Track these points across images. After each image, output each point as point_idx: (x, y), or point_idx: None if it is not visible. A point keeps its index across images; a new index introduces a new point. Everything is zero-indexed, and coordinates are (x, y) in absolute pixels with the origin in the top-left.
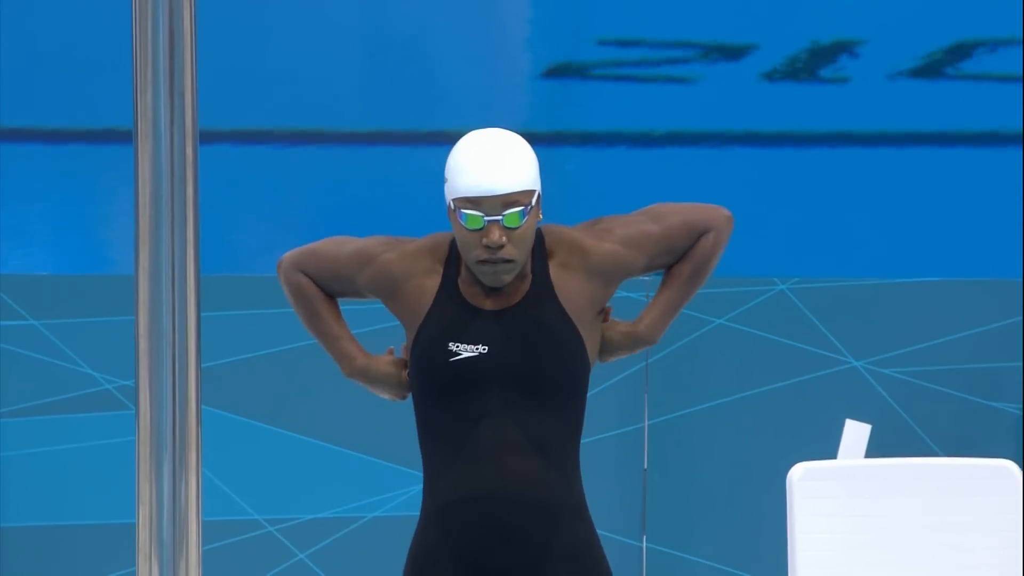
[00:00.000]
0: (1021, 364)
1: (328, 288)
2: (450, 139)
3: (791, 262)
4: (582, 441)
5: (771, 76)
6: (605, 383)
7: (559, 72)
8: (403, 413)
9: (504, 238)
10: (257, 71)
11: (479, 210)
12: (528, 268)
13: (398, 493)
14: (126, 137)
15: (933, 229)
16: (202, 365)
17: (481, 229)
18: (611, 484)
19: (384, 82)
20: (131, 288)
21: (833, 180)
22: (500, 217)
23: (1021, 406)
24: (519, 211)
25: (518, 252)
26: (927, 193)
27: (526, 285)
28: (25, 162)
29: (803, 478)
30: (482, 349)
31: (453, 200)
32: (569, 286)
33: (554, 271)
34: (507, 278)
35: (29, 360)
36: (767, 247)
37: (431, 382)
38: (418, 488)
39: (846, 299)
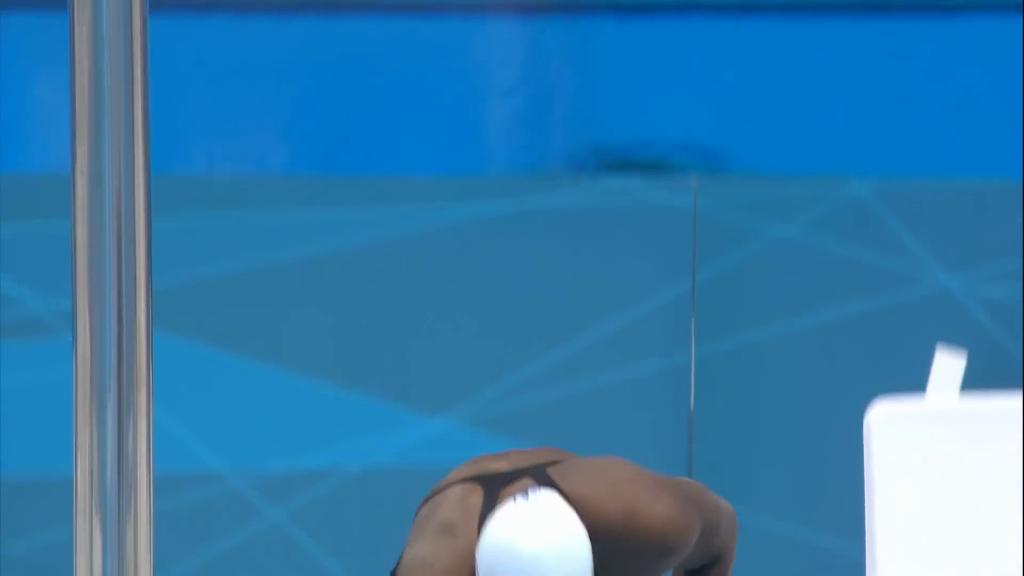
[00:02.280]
0: None
1: None
2: (443, 10)
3: (870, 157)
4: (618, 378)
5: None
6: (645, 309)
7: None
8: (397, 339)
9: None
10: None
11: None
12: None
13: (391, 436)
14: (62, 3)
15: None
16: (154, 285)
17: None
18: (651, 429)
19: None
20: (67, 190)
21: (926, 56)
22: None
23: None
24: None
25: None
26: None
27: None
28: None
29: (885, 420)
30: None
31: None
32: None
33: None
34: None
35: None
36: (840, 138)
37: None
38: (413, 431)
39: (937, 204)
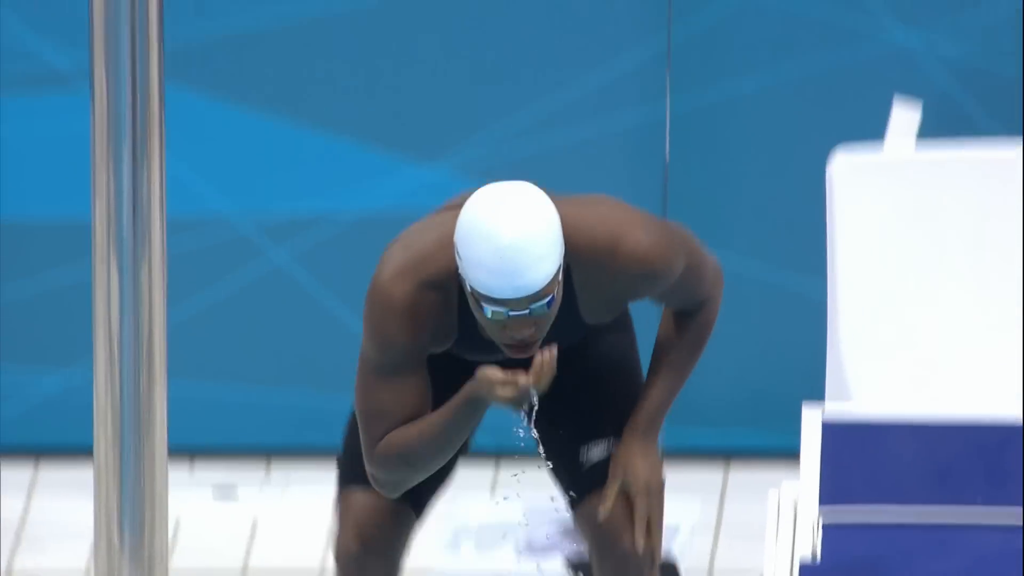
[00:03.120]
0: None
1: (415, 411)
2: None
3: None
4: (593, 134)
5: None
6: (619, 63)
7: None
8: (398, 89)
9: (533, 328)
10: None
11: (502, 307)
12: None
13: (391, 182)
14: None
15: None
16: (166, 38)
17: (505, 319)
18: (626, 181)
19: None
20: None
21: None
22: (527, 311)
23: None
24: (547, 301)
25: (543, 330)
26: None
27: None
28: None
29: (845, 168)
30: (498, 356)
31: (470, 287)
32: (594, 306)
33: (582, 298)
34: (534, 351)
35: None
36: None
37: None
38: (413, 176)
39: None
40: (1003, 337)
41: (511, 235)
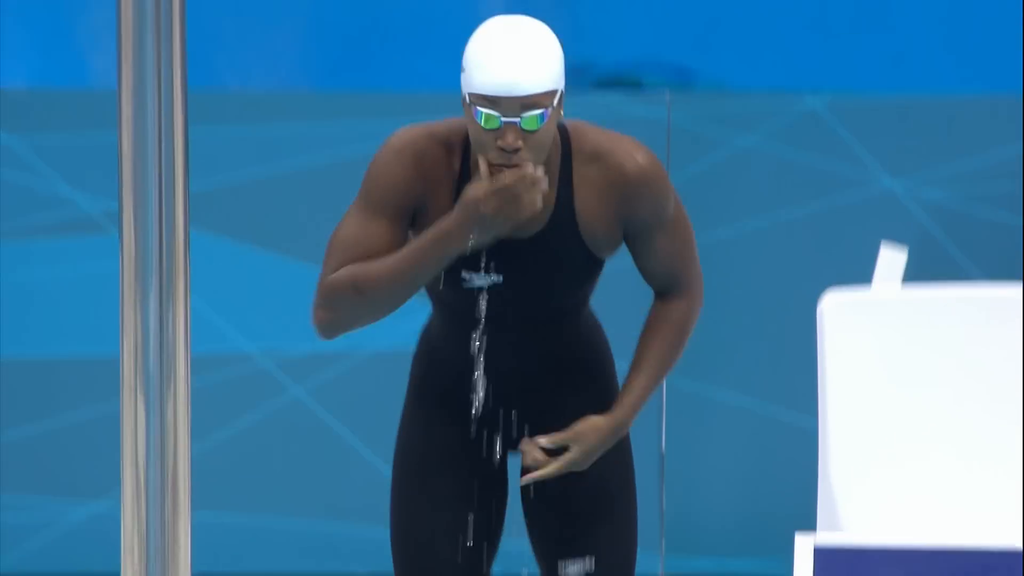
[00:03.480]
0: None
1: (380, 254)
2: None
3: (823, 75)
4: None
5: None
6: None
7: None
8: None
9: (520, 141)
10: None
11: (496, 110)
12: (554, 178)
13: (402, 323)
14: None
15: (979, 39)
16: (191, 187)
17: (497, 129)
18: (629, 315)
19: None
20: (114, 104)
21: None
22: (518, 119)
23: None
24: (539, 114)
25: (534, 156)
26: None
27: (548, 209)
28: None
29: (834, 307)
30: (496, 279)
31: (469, 94)
32: (591, 211)
33: (579, 195)
34: None
35: (4, 181)
36: (797, 58)
37: (441, 300)
38: (420, 318)
39: (883, 115)
40: (991, 470)
41: (513, 41)
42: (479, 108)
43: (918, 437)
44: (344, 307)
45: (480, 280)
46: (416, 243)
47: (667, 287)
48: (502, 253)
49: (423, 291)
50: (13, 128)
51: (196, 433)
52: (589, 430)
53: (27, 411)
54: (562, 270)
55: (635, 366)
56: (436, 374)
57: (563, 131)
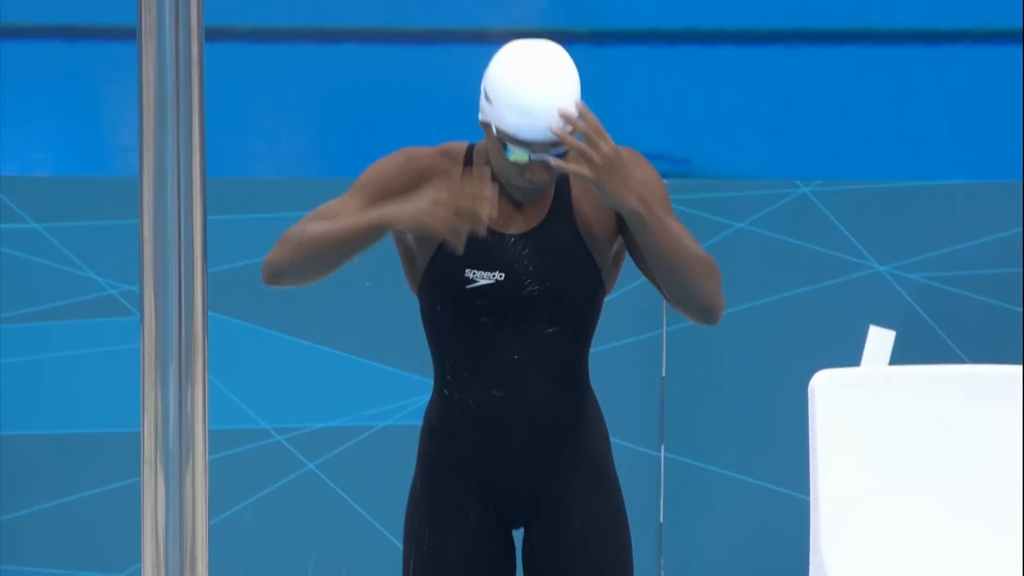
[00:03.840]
0: None
1: None
2: (456, 39)
3: (813, 164)
4: (599, 349)
5: None
6: (623, 289)
7: None
8: (415, 319)
9: (546, 172)
10: None
11: (526, 149)
12: (550, 188)
13: (410, 401)
14: (132, 34)
15: (960, 129)
16: (209, 270)
17: (525, 163)
18: (629, 392)
19: None
20: (136, 191)
21: (856, 79)
22: (546, 156)
23: None
24: (564, 150)
25: (556, 175)
26: (956, 92)
27: (546, 205)
28: (26, 59)
29: (825, 386)
30: (499, 276)
31: (498, 129)
32: (588, 208)
33: (576, 191)
34: (538, 197)
35: (30, 264)
36: (788, 149)
37: (445, 306)
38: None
39: (870, 202)
40: (981, 546)
41: (546, 76)
42: (509, 145)
43: (907, 513)
44: (287, 252)
45: (483, 278)
46: (362, 215)
47: None
48: (503, 250)
49: (427, 342)
50: (39, 215)
51: (214, 506)
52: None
53: (49, 486)
54: (561, 263)
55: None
56: (443, 447)
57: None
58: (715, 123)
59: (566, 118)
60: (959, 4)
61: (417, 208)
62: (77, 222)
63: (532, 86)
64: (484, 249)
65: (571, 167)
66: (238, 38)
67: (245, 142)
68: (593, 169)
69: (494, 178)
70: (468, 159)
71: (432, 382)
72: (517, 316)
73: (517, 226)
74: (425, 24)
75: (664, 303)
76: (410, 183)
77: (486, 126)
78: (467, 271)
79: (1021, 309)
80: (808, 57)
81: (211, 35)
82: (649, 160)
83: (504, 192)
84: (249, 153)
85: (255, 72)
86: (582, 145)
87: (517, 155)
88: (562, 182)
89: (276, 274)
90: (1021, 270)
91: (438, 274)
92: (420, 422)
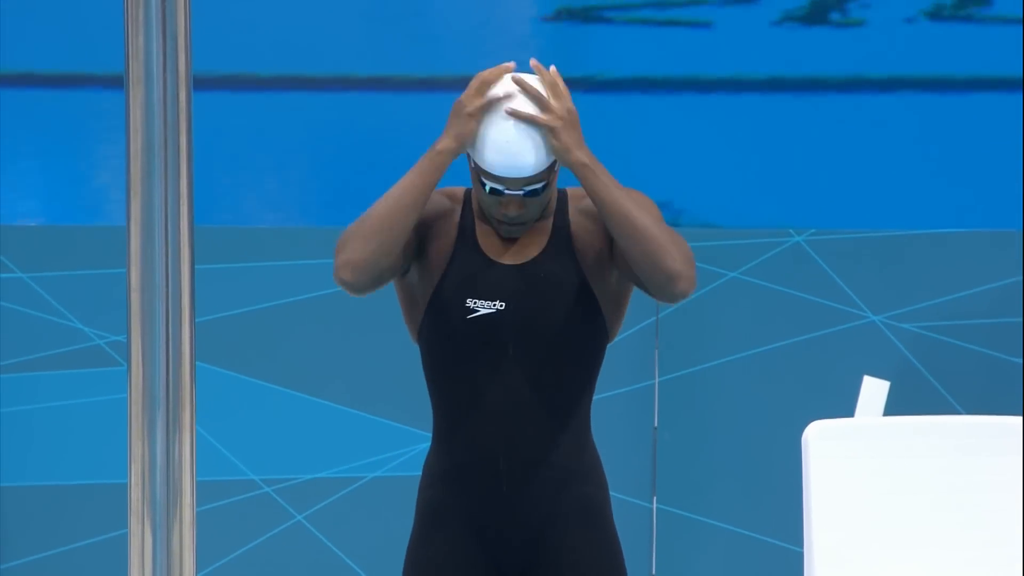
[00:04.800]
0: None
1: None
2: (446, 86)
3: (806, 213)
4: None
5: (781, 22)
6: (617, 339)
7: (565, 15)
8: (406, 369)
9: (521, 209)
10: (254, 13)
11: (500, 184)
12: (549, 223)
13: (400, 452)
14: (119, 82)
15: (954, 178)
16: (197, 320)
17: (501, 196)
18: (620, 443)
19: (392, 22)
20: (123, 240)
21: (851, 127)
22: (520, 192)
23: None
24: (540, 187)
25: (534, 215)
26: (953, 140)
27: (545, 237)
28: (12, 108)
29: (819, 437)
30: (499, 305)
31: (475, 164)
32: (586, 238)
33: (574, 223)
34: (521, 233)
35: (17, 314)
36: (781, 197)
37: (447, 339)
38: (421, 447)
39: (864, 251)
40: None
41: (517, 129)
42: (484, 179)
43: (902, 567)
44: (357, 239)
45: (484, 307)
46: (406, 176)
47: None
48: (503, 280)
49: (427, 389)
50: (24, 265)
51: (201, 558)
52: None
53: (39, 537)
54: (560, 294)
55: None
56: (441, 494)
57: (562, 192)
58: (708, 171)
59: (537, 68)
60: (957, 51)
61: (456, 127)
62: (63, 271)
63: (508, 133)
64: (484, 279)
65: (527, 113)
66: (227, 86)
67: (234, 190)
68: (550, 116)
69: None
70: (467, 201)
71: (428, 432)
72: (517, 350)
73: (516, 256)
74: (417, 72)
75: (656, 352)
76: (421, 227)
77: (469, 157)
78: (468, 300)
79: (1021, 360)
80: (802, 105)
81: (199, 83)
82: None
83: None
84: (238, 201)
85: (245, 120)
86: (542, 94)
87: (493, 190)
88: (561, 217)
89: (355, 269)
90: (1021, 319)
91: (439, 306)
92: (411, 473)
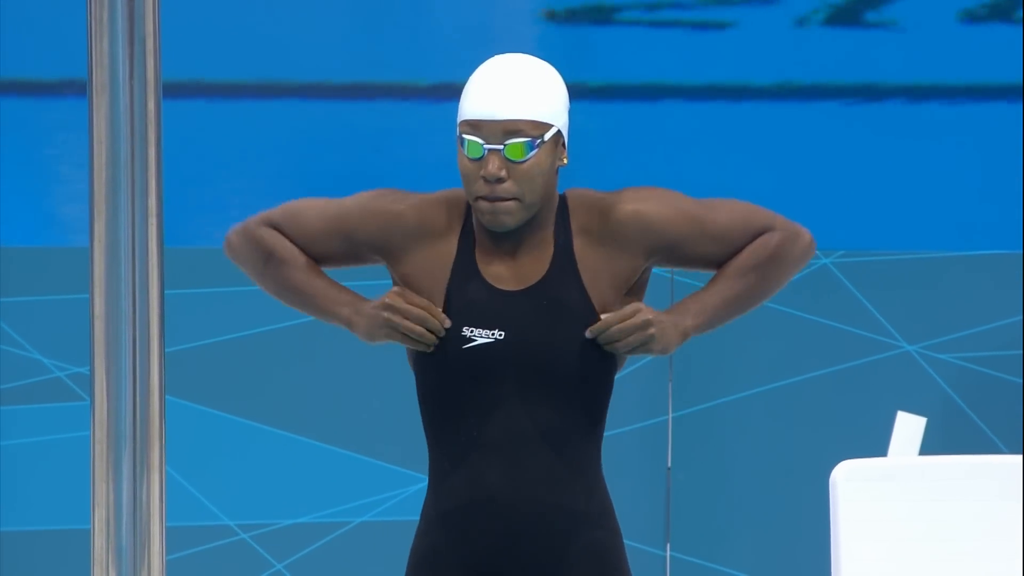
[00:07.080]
0: None
1: (310, 250)
2: (439, 94)
3: (835, 233)
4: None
5: (803, 22)
6: (624, 371)
7: (566, 17)
8: (393, 404)
9: (504, 171)
10: (227, 16)
11: (479, 136)
12: (550, 238)
13: (390, 495)
14: (82, 90)
15: (996, 194)
16: (166, 350)
17: (481, 159)
18: (631, 485)
19: (369, 28)
20: (85, 262)
21: (881, 137)
22: (501, 147)
23: None
24: (523, 142)
25: (520, 191)
26: (993, 152)
27: (547, 260)
28: None
29: (848, 478)
30: (498, 335)
31: (458, 126)
32: (592, 260)
33: (578, 243)
34: (508, 220)
35: None
36: (808, 215)
37: (442, 369)
38: (411, 490)
39: (897, 274)
40: None
41: (502, 69)
42: (464, 136)
43: None
44: (249, 259)
45: (482, 336)
46: (328, 292)
47: (747, 237)
48: (502, 307)
49: (424, 425)
50: None
51: None
52: (659, 316)
53: None
54: (564, 320)
55: (711, 281)
56: (440, 538)
57: (562, 197)
58: (727, 186)
59: (594, 333)
60: (998, 61)
61: (369, 324)
62: (20, 297)
63: (489, 69)
64: (482, 307)
65: (637, 350)
66: (200, 94)
67: (207, 207)
68: (651, 346)
69: (480, 231)
70: (468, 216)
71: (420, 474)
72: (519, 382)
73: (516, 282)
74: (400, 79)
75: (670, 386)
76: (407, 218)
77: (457, 143)
78: (464, 329)
79: None
80: (828, 116)
81: (169, 90)
82: None
83: (502, 247)
84: (212, 220)
85: (219, 131)
86: (630, 340)
87: (472, 146)
88: (562, 233)
89: (236, 261)
90: None
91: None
92: (401, 517)
